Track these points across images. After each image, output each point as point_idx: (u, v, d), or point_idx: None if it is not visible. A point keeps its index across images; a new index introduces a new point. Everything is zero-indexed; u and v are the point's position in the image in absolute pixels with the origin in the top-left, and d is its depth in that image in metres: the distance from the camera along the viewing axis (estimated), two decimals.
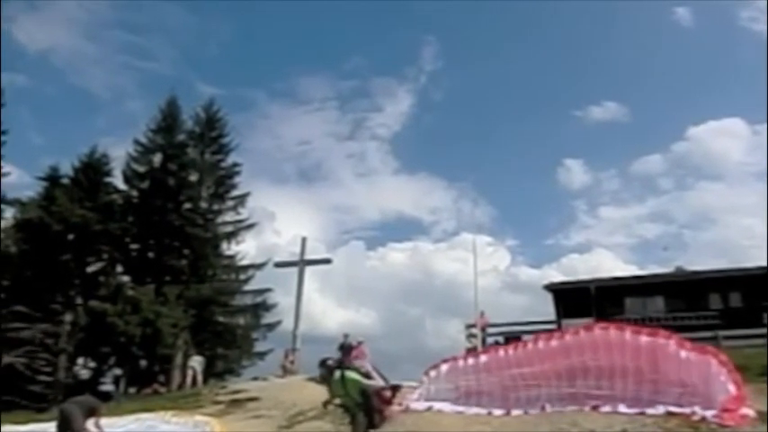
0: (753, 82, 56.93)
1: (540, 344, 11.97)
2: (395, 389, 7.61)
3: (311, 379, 17.65)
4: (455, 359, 13.28)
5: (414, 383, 15.81)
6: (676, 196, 70.26)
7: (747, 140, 63.66)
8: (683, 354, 10.16)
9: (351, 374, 7.55)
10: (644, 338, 10.70)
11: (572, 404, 10.85)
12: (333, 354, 19.36)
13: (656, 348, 10.47)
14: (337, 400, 8.06)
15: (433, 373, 13.20)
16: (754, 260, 26.65)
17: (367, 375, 7.67)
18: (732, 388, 9.18)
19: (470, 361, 12.80)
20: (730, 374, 9.51)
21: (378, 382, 7.83)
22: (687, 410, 9.38)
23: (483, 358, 12.68)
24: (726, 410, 8.67)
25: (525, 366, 11.94)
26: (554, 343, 11.78)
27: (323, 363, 7.83)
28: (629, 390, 10.52)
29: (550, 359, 11.68)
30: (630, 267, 47.58)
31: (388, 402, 7.69)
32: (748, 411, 8.79)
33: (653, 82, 72.04)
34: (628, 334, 10.90)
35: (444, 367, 13.06)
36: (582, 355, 11.21)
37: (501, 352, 12.67)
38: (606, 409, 10.20)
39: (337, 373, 7.60)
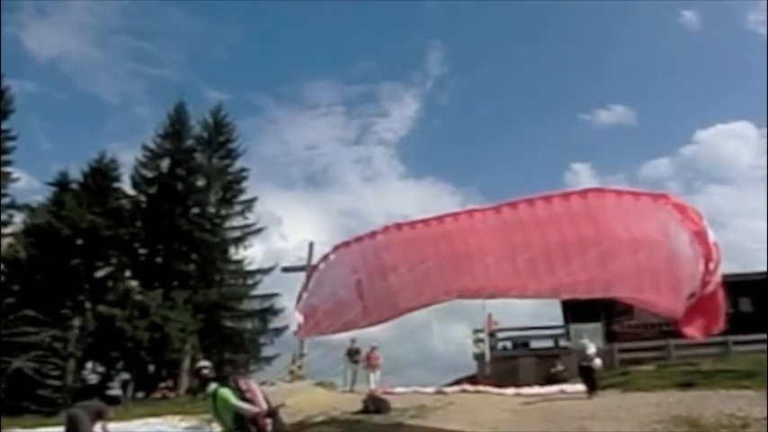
0: (761, 85, 56.61)
1: (449, 221, 10.13)
2: (272, 414, 6.08)
3: (319, 384, 17.62)
4: (346, 243, 11.49)
5: (428, 389, 15.60)
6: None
7: (756, 143, 63.39)
8: (629, 207, 8.66)
9: (224, 392, 6.06)
10: (574, 204, 9.00)
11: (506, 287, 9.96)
12: (340, 360, 19.23)
13: (593, 210, 8.84)
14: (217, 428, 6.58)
15: (321, 266, 11.78)
16: (764, 264, 26.47)
17: (244, 398, 6.07)
18: (699, 252, 7.53)
19: (367, 241, 11.08)
20: (691, 226, 7.91)
21: (259, 405, 6.13)
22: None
23: (381, 238, 10.95)
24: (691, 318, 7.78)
25: (442, 244, 10.22)
26: (465, 223, 9.94)
27: (197, 372, 6.54)
28: (575, 266, 9.09)
29: (477, 236, 9.84)
30: None
31: None
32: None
33: (661, 85, 71.97)
34: (556, 205, 9.11)
35: (333, 256, 11.60)
36: (508, 235, 9.45)
37: (402, 231, 10.72)
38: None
39: (212, 387, 6.24)
